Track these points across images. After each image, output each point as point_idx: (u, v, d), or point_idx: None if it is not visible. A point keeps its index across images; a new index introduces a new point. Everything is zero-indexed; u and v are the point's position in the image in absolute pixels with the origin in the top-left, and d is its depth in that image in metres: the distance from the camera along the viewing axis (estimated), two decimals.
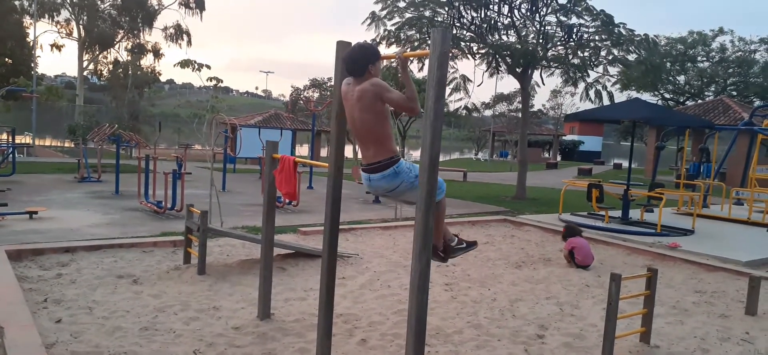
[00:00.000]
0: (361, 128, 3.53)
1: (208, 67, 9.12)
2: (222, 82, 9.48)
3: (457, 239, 4.00)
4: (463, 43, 15.82)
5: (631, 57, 16.27)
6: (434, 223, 3.64)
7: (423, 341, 3.25)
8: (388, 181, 3.54)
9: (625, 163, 39.48)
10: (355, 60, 3.52)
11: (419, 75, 24.72)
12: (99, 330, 4.45)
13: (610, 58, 16.01)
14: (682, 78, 41.55)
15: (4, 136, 16.36)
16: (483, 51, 16.32)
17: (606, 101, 17.37)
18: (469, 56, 16.39)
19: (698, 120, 18.87)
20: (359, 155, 3.75)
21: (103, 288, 5.54)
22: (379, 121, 3.48)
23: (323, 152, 34.42)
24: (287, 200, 11.64)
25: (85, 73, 40.50)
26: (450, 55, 2.96)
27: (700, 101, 36.03)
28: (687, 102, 39.47)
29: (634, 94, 39.01)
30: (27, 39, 32.61)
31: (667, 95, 41.97)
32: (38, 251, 6.65)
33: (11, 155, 14.98)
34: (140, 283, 5.79)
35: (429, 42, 3.24)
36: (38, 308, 4.85)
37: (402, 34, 15.47)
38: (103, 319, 4.70)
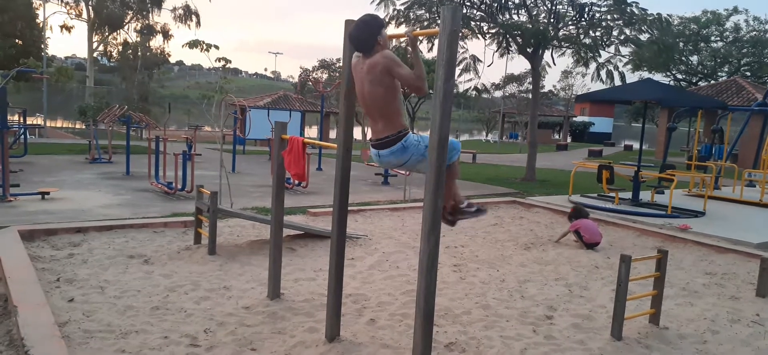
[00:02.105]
0: (371, 102, 3.48)
1: (217, 47, 9.10)
2: (230, 63, 9.46)
3: (467, 202, 3.96)
4: (473, 23, 15.66)
5: (644, 37, 16.04)
6: (446, 183, 3.63)
7: (431, 321, 3.26)
8: (397, 156, 3.51)
9: (636, 145, 39.17)
10: (362, 37, 3.46)
11: (429, 55, 24.57)
12: (111, 309, 4.50)
13: (622, 38, 15.79)
14: (695, 58, 40.97)
15: (16, 117, 16.48)
16: (493, 31, 16.15)
17: (617, 82, 17.18)
18: (479, 36, 16.23)
19: (711, 101, 18.63)
20: (369, 136, 3.73)
21: (115, 268, 5.59)
22: (389, 95, 3.42)
23: (332, 134, 34.39)
24: (296, 181, 11.66)
25: (95, 54, 40.57)
26: (460, 34, 2.91)
27: (713, 82, 35.57)
28: (700, 83, 38.95)
29: (645, 74, 38.54)
30: (36, 20, 32.66)
31: (679, 76, 41.44)
32: (50, 231, 6.72)
33: (23, 136, 15.10)
34: (151, 263, 5.84)
35: (438, 21, 3.19)
36: (51, 288, 4.91)
37: (411, 14, 15.34)
38: (114, 298, 4.76)
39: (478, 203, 4.10)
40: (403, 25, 15.28)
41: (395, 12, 15.61)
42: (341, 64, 4.05)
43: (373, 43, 3.44)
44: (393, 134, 3.46)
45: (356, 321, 4.52)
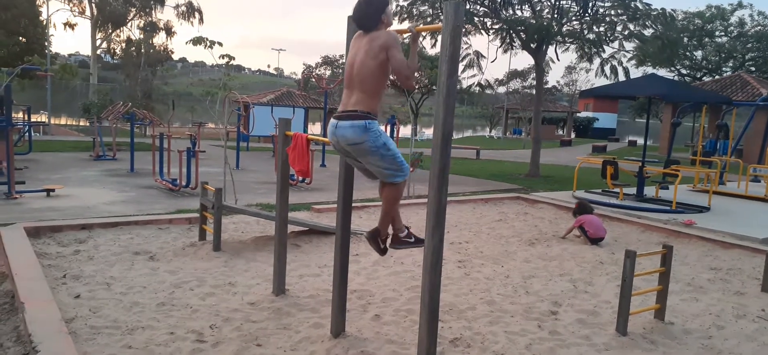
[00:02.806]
0: (357, 72, 3.37)
1: (220, 44, 9.09)
2: (234, 59, 9.46)
3: (407, 231, 3.81)
4: (476, 19, 15.63)
5: (648, 32, 15.97)
6: (384, 206, 3.59)
7: (436, 316, 3.26)
8: (354, 132, 3.33)
9: (640, 140, 39.05)
10: (366, 14, 3.40)
11: (432, 51, 24.54)
12: (117, 305, 4.52)
13: (626, 33, 15.72)
14: (699, 53, 40.77)
15: (20, 114, 16.54)
16: (497, 26, 16.12)
17: (621, 77, 17.13)
18: (482, 32, 16.20)
19: (715, 96, 18.57)
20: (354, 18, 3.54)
21: (120, 264, 5.62)
22: (377, 72, 3.33)
23: None
24: (300, 178, 11.68)
25: (98, 51, 40.63)
26: (463, 30, 2.90)
27: (717, 77, 35.40)
28: (704, 78, 38.78)
29: (650, 69, 38.38)
30: (40, 17, 32.74)
31: (683, 71, 41.24)
32: (56, 228, 6.74)
33: (28, 134, 15.16)
34: (157, 259, 5.86)
35: (441, 17, 3.18)
36: (57, 284, 4.93)
37: (414, 10, 15.32)
38: (120, 294, 4.78)
39: (415, 233, 3.88)
40: (406, 21, 15.26)
41: (398, 7, 15.59)
42: (344, 61, 4.04)
43: (377, 20, 3.40)
44: (361, 111, 3.34)
45: (361, 317, 4.54)
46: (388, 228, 3.75)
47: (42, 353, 3.48)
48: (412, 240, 3.74)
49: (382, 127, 3.52)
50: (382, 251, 3.85)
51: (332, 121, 3.45)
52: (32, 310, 4.10)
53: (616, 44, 16.30)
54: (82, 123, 30.48)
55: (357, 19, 3.46)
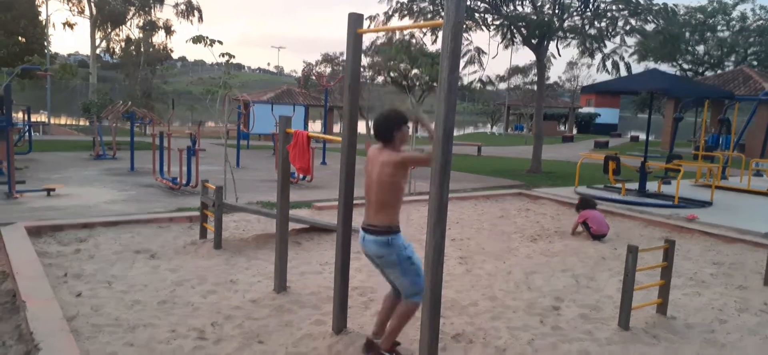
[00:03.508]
0: (375, 188, 3.54)
1: (220, 42, 9.07)
2: (234, 57, 9.43)
3: (396, 348, 3.79)
4: (477, 14, 15.59)
5: (649, 27, 15.92)
6: (395, 323, 3.62)
7: (438, 312, 3.25)
8: (378, 246, 3.49)
9: (643, 136, 38.99)
10: (381, 129, 3.56)
11: (433, 48, 24.50)
12: (118, 303, 4.52)
13: (628, 28, 15.67)
14: (701, 48, 40.68)
15: (20, 114, 16.54)
16: (498, 22, 16.06)
17: (623, 72, 17.08)
18: (483, 28, 16.14)
19: (717, 91, 18.50)
20: (371, 132, 3.71)
21: (121, 263, 5.61)
22: (393, 190, 3.49)
23: (336, 128, 34.41)
24: (301, 175, 11.67)
25: (97, 51, 40.62)
26: (464, 26, 2.86)
27: (719, 71, 35.33)
28: (706, 72, 38.70)
29: (651, 65, 38.32)
30: (39, 17, 32.74)
31: (685, 66, 41.15)
32: (57, 227, 6.74)
33: (28, 134, 15.16)
34: (157, 258, 5.85)
35: (442, 13, 3.15)
36: (58, 283, 4.92)
37: (415, 6, 15.27)
38: (121, 293, 4.77)
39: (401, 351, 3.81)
40: (406, 17, 15.22)
41: (398, 4, 15.55)
42: (344, 58, 4.03)
43: (391, 135, 3.53)
44: (382, 226, 3.49)
45: (363, 313, 4.52)
46: (391, 339, 3.71)
47: (44, 351, 3.47)
48: None
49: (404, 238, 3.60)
50: None
51: (361, 232, 3.61)
52: (34, 308, 4.09)
53: (617, 39, 16.25)
54: (81, 122, 30.52)
55: (376, 133, 3.62)
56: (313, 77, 35.69)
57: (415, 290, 3.52)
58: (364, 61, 30.71)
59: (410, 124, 3.55)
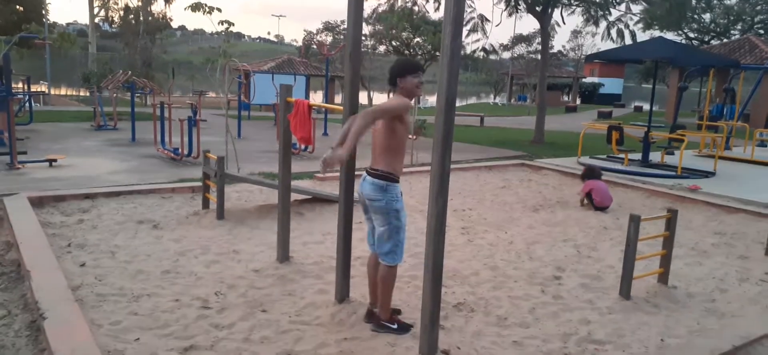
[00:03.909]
0: (376, 135, 3.58)
1: (219, 10, 8.96)
2: (233, 26, 9.32)
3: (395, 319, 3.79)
4: None
5: None
6: (381, 288, 3.64)
7: (440, 282, 3.26)
8: (374, 189, 3.50)
9: (647, 106, 38.75)
10: (389, 75, 3.57)
11: (436, 15, 24.21)
12: (122, 273, 4.54)
13: None
14: (707, 16, 40.09)
15: (20, 85, 16.45)
16: None
17: (628, 41, 16.92)
18: None
19: (723, 59, 18.30)
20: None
21: (124, 233, 5.63)
22: (389, 136, 3.49)
23: (337, 99, 34.21)
24: (303, 146, 11.64)
25: (96, 20, 40.23)
26: None
27: (725, 40, 34.90)
28: (712, 41, 38.22)
29: (657, 33, 37.84)
30: None
31: (691, 34, 40.62)
32: (59, 198, 6.75)
33: (28, 104, 15.10)
34: (160, 228, 5.87)
35: None
36: (62, 253, 4.95)
37: None
38: (125, 263, 4.80)
39: (402, 319, 3.81)
40: None
41: None
42: (345, 27, 3.97)
43: (395, 82, 3.52)
44: (383, 171, 3.50)
45: (365, 283, 4.51)
46: (389, 311, 3.73)
47: (50, 320, 3.50)
48: (395, 327, 3.69)
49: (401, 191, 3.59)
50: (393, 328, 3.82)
51: (364, 174, 3.62)
52: (38, 278, 4.12)
53: (622, 7, 16.12)
54: (82, 93, 30.36)
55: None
56: (314, 46, 35.34)
57: (391, 248, 3.55)
58: (366, 29, 30.37)
59: (419, 76, 3.50)
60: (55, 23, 43.96)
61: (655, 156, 11.80)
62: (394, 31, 28.79)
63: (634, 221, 4.33)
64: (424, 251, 3.29)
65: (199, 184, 7.13)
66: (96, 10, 39.23)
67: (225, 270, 4.73)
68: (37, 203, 6.45)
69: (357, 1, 3.77)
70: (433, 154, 3.09)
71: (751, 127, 15.20)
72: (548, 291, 4.57)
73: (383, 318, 3.70)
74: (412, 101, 3.72)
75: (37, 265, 4.37)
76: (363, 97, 34.70)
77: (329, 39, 36.36)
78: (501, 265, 5.16)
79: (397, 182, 3.55)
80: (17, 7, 29.35)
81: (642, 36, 34.37)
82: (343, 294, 4.09)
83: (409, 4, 25.91)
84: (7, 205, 6.07)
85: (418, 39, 30.07)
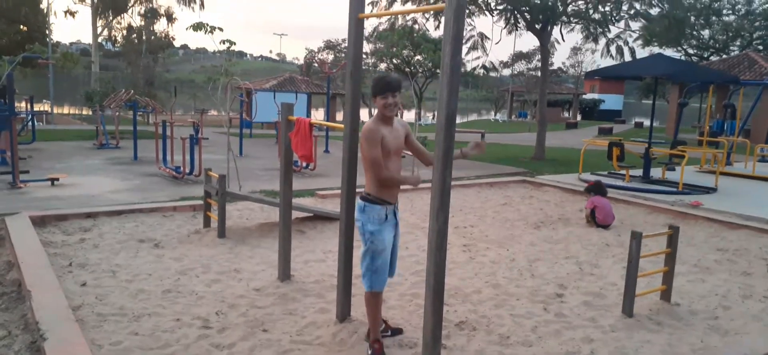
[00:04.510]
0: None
1: (221, 29, 9.03)
2: (235, 45, 9.39)
3: (376, 347, 3.65)
4: None
5: (654, 11, 15.81)
6: (367, 314, 3.63)
7: (442, 300, 3.24)
8: (356, 209, 3.61)
9: (647, 122, 38.80)
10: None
11: (436, 33, 24.36)
12: (123, 293, 4.53)
13: (632, 12, 15.57)
14: (706, 32, 40.29)
15: (23, 104, 16.54)
16: (501, 7, 15.96)
17: (627, 57, 16.99)
18: (486, 12, 16.05)
19: (722, 75, 18.37)
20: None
21: (126, 252, 5.62)
22: (364, 161, 3.52)
23: (339, 116, 34.31)
24: (304, 164, 11.66)
25: (99, 39, 40.54)
26: (467, 10, 2.83)
27: (724, 56, 35.03)
28: (711, 57, 38.37)
29: (656, 49, 38.00)
30: (40, 5, 32.62)
31: (690, 51, 40.79)
32: (61, 217, 6.76)
33: (31, 123, 15.17)
34: (161, 247, 5.87)
35: None
36: (63, 272, 4.94)
37: None
38: (126, 282, 4.79)
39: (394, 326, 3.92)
40: (409, 2, 15.12)
41: None
42: (346, 45, 4.00)
43: (375, 101, 3.54)
44: (364, 192, 3.56)
45: None
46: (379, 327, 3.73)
47: (50, 340, 3.49)
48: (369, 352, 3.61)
49: (379, 217, 3.53)
50: (392, 332, 3.91)
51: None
52: (39, 298, 4.11)
53: (621, 24, 16.17)
54: (84, 112, 30.50)
55: None
56: (316, 64, 35.54)
57: (364, 271, 3.55)
58: (367, 47, 30.57)
59: (387, 98, 3.44)
60: (58, 43, 44.25)
61: (656, 172, 11.80)
62: (394, 49, 28.97)
63: (636, 237, 4.32)
64: (425, 268, 3.28)
65: (201, 202, 7.14)
66: (99, 30, 39.58)
67: (226, 289, 4.71)
68: (39, 222, 6.46)
69: (358, 21, 3.80)
70: (434, 171, 3.09)
71: (751, 142, 15.20)
72: (550, 309, 4.55)
73: (372, 340, 3.65)
74: (398, 119, 3.68)
75: (37, 284, 4.37)
76: (364, 115, 34.84)
77: (331, 57, 36.58)
78: (503, 282, 5.15)
79: (379, 203, 3.51)
80: (21, 27, 29.57)
81: (641, 52, 34.54)
82: (344, 313, 4.07)
83: (410, 23, 26.09)
84: (9, 224, 6.07)
85: (418, 57, 30.24)
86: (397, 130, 3.60)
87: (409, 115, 26.51)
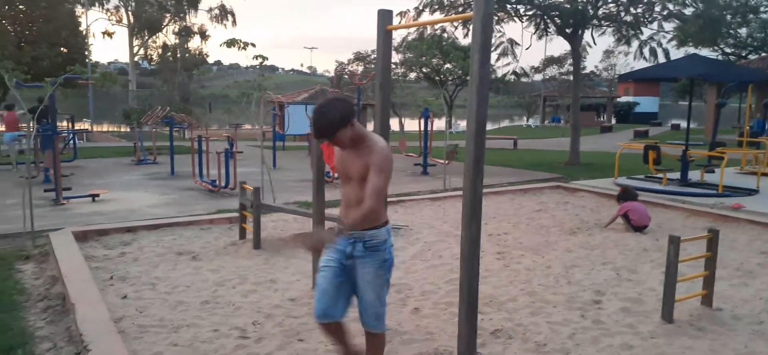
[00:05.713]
0: None
1: (253, 45, 9.20)
2: (267, 60, 9.55)
3: None
4: (508, 5, 15.39)
5: (688, 11, 15.46)
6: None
7: (476, 308, 3.24)
8: (383, 236, 3.09)
9: (684, 124, 37.84)
10: None
11: (464, 41, 24.29)
12: (162, 304, 4.65)
13: (665, 13, 15.25)
14: (743, 31, 39.10)
15: (65, 123, 17.13)
16: (530, 12, 15.84)
17: (661, 59, 16.63)
18: (515, 19, 15.95)
19: (761, 74, 17.81)
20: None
21: (165, 265, 5.76)
22: (383, 183, 2.95)
23: (369, 126, 34.42)
24: (336, 174, 11.74)
25: (135, 58, 41.78)
26: (495, 17, 2.84)
27: (764, 54, 33.95)
28: (750, 56, 37.21)
29: (691, 50, 37.04)
30: (80, 28, 33.78)
31: (727, 50, 39.62)
32: (102, 232, 6.97)
33: (72, 141, 15.70)
34: (199, 259, 5.99)
35: (473, 5, 3.13)
36: (105, 286, 5.10)
37: (445, 0, 15.18)
38: (165, 294, 4.91)
39: None
40: (437, 12, 15.14)
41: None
42: (375, 56, 4.04)
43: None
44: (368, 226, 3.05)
45: (400, 311, 4.54)
46: None
47: (93, 352, 3.60)
48: None
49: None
50: None
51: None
52: (83, 311, 4.25)
53: (654, 25, 15.84)
54: (123, 129, 31.38)
55: None
56: (346, 76, 35.83)
57: (383, 308, 3.17)
58: (396, 57, 30.65)
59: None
60: (97, 63, 45.70)
61: (694, 175, 11.49)
62: (424, 58, 28.99)
63: (674, 242, 4.23)
64: (458, 277, 3.27)
65: (236, 214, 7.27)
66: (136, 49, 40.79)
67: (262, 299, 4.79)
68: (81, 237, 6.67)
69: (386, 33, 3.84)
70: (465, 180, 3.10)
71: None
72: (588, 316, 4.47)
73: None
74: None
75: (81, 298, 4.51)
76: (394, 124, 34.89)
77: (360, 68, 36.81)
78: (539, 290, 5.09)
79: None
80: (61, 49, 30.68)
81: (676, 53, 33.70)
82: None
83: (439, 32, 26.09)
84: (53, 240, 6.29)
85: (448, 65, 30.19)
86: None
87: (439, 123, 26.47)
